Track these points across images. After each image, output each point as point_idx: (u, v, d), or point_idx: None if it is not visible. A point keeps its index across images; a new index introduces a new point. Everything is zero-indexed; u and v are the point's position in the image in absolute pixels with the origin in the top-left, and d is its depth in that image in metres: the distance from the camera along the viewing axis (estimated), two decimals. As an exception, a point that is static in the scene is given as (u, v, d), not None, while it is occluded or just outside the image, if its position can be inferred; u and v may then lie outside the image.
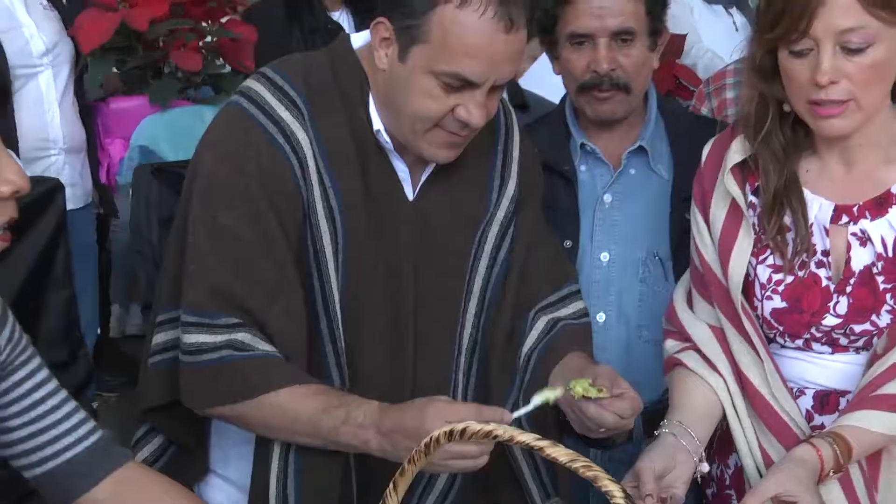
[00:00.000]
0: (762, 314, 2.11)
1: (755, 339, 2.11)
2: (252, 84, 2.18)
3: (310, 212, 2.12)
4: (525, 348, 2.29)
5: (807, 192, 2.09)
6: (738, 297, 2.11)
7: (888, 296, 2.03)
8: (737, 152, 2.12)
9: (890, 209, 2.04)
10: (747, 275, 2.11)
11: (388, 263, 2.19)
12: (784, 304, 2.08)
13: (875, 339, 2.05)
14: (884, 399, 1.98)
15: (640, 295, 2.61)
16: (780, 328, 2.11)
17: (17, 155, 3.30)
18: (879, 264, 2.04)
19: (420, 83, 2.07)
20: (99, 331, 4.29)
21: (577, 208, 2.63)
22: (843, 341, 2.08)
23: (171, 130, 3.58)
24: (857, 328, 2.05)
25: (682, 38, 4.40)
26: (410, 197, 2.23)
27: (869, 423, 1.97)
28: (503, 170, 2.32)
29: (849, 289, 2.05)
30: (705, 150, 2.23)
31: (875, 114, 2.02)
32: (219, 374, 2.08)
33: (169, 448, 2.30)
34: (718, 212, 2.14)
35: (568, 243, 2.60)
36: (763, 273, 2.10)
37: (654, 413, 2.53)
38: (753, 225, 2.11)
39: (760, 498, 1.89)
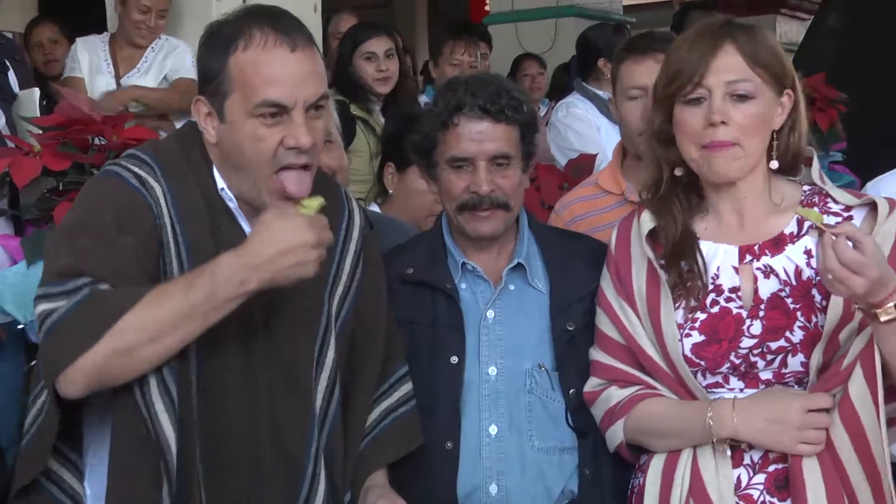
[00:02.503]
0: (684, 353, 2.37)
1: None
2: (110, 163, 2.35)
3: (163, 251, 2.25)
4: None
5: (710, 244, 2.44)
6: (677, 349, 2.37)
7: (799, 313, 2.36)
8: (647, 221, 2.44)
9: (786, 247, 2.41)
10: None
11: (238, 316, 2.24)
12: (703, 338, 2.36)
13: (790, 356, 2.33)
14: None
15: (529, 405, 2.65)
16: (702, 363, 2.37)
17: None
18: (787, 289, 2.38)
19: (244, 130, 2.25)
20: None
21: (461, 324, 2.69)
22: (760, 364, 2.34)
23: (25, 287, 3.19)
24: (773, 345, 2.36)
25: (593, 157, 4.53)
26: None
27: None
28: (343, 246, 2.48)
29: (760, 313, 2.37)
30: (613, 234, 2.57)
31: (756, 164, 2.41)
32: (74, 322, 2.13)
33: None
34: (640, 282, 2.45)
35: (454, 359, 2.67)
36: (679, 316, 2.38)
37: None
38: (666, 283, 2.40)
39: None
